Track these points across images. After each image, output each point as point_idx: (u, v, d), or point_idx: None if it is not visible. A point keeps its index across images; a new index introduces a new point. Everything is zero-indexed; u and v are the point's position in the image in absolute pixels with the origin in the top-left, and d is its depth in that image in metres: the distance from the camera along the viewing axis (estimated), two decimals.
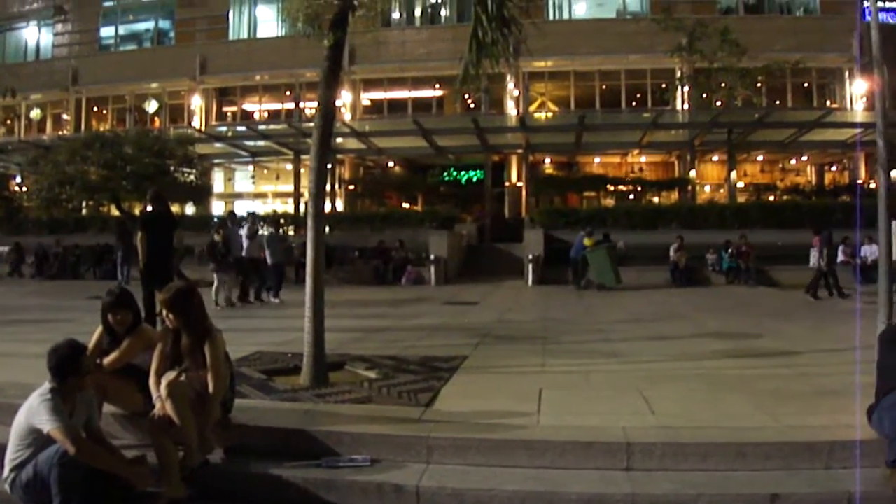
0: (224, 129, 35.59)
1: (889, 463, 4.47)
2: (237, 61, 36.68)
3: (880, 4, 5.99)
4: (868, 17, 6.58)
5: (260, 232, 17.14)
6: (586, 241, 20.06)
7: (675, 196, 31.96)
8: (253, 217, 17.93)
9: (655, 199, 31.99)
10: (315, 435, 5.29)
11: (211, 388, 4.98)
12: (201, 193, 32.17)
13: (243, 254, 16.17)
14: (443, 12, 36.70)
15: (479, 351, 9.14)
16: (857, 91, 33.07)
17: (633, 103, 35.21)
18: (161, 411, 4.76)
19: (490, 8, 6.66)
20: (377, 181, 36.38)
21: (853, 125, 29.73)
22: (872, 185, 24.13)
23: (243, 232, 16.38)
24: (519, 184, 33.83)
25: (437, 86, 35.89)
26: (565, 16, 36.28)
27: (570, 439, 5.10)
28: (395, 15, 36.74)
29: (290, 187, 33.78)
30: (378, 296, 17.92)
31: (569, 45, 33.58)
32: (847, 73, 34.30)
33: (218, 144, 32.84)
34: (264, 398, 6.42)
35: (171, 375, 4.89)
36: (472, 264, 24.85)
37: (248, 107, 39.16)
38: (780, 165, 36.79)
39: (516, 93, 34.46)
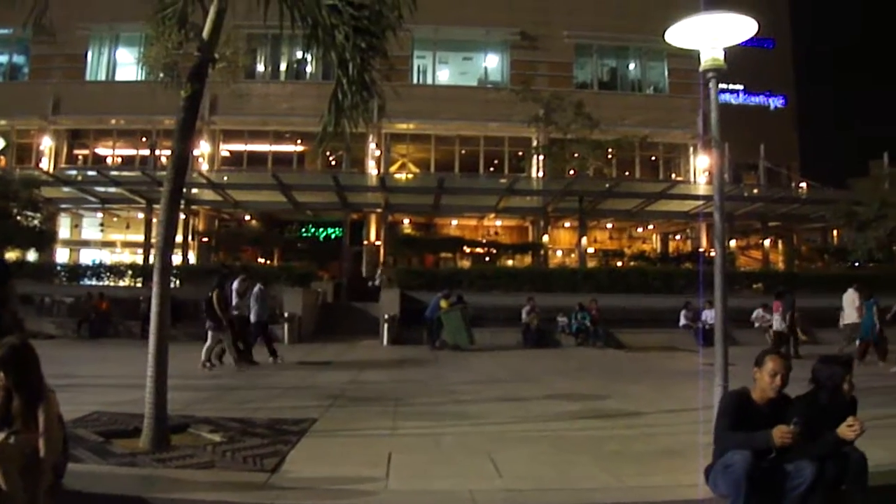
0: (74, 172, 33.98)
1: None
2: (93, 103, 35.36)
3: (722, 86, 6.39)
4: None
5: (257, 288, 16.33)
6: (442, 303, 20.26)
7: (528, 259, 32.77)
8: (245, 272, 16.92)
9: (510, 262, 32.67)
10: (153, 502, 5.03)
11: (42, 452, 4.64)
12: (45, 239, 30.47)
13: (234, 312, 15.25)
14: (308, 69, 36.73)
15: (330, 413, 8.99)
16: (700, 165, 35.30)
17: (491, 169, 36.25)
18: None
19: (351, 72, 6.71)
20: (232, 235, 35.52)
21: (696, 197, 31.59)
22: (713, 254, 25.84)
23: (234, 287, 15.54)
24: (377, 243, 33.88)
25: (299, 141, 35.79)
26: (429, 81, 37.15)
27: None
28: (260, 67, 36.55)
29: (140, 237, 32.45)
30: (228, 354, 17.39)
31: (431, 109, 34.41)
32: (691, 149, 36.62)
33: (66, 189, 31.30)
34: (100, 462, 6.08)
35: None
36: (328, 323, 24.50)
37: (101, 151, 37.66)
38: (628, 233, 38.51)
39: (378, 153, 34.82)
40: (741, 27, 6.45)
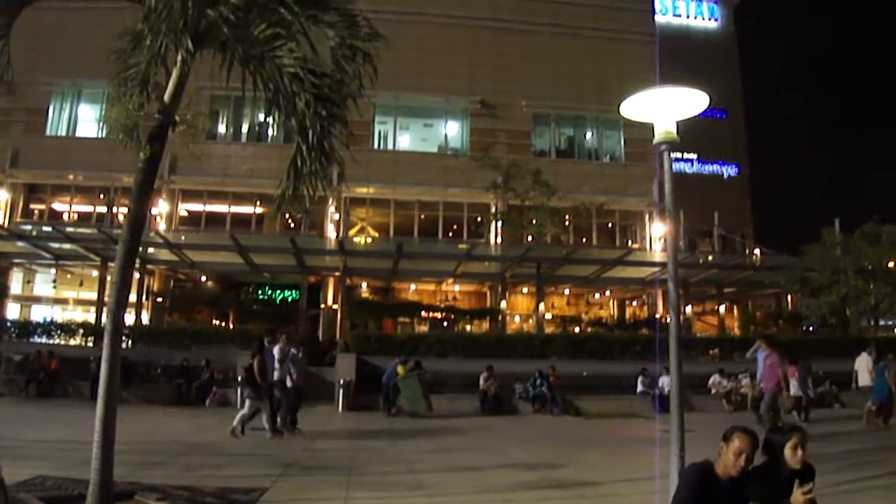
0: (29, 227, 33.41)
1: None
2: (52, 158, 34.98)
3: (676, 155, 6.56)
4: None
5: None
6: (399, 369, 20.10)
7: (486, 325, 32.73)
8: (285, 336, 16.55)
9: (468, 328, 32.60)
10: None
11: None
12: None
13: (275, 377, 15.09)
14: (270, 131, 36.86)
15: (282, 482, 8.80)
16: (656, 233, 35.82)
17: (450, 234, 36.42)
18: None
19: (311, 139, 6.75)
20: (188, 295, 35.04)
21: (652, 264, 31.98)
22: (669, 319, 26.06)
23: (276, 352, 15.25)
24: (335, 306, 33.64)
25: (259, 203, 35.71)
26: (390, 146, 37.46)
27: None
28: (221, 128, 36.62)
29: (93, 295, 31.78)
30: (179, 418, 17.03)
31: (391, 174, 34.73)
32: (647, 216, 37.22)
33: (20, 243, 30.64)
34: None
35: None
36: None
37: (57, 206, 37.15)
38: (585, 299, 38.74)
39: (337, 216, 34.81)
40: (693, 101, 6.61)
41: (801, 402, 19.20)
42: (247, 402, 14.16)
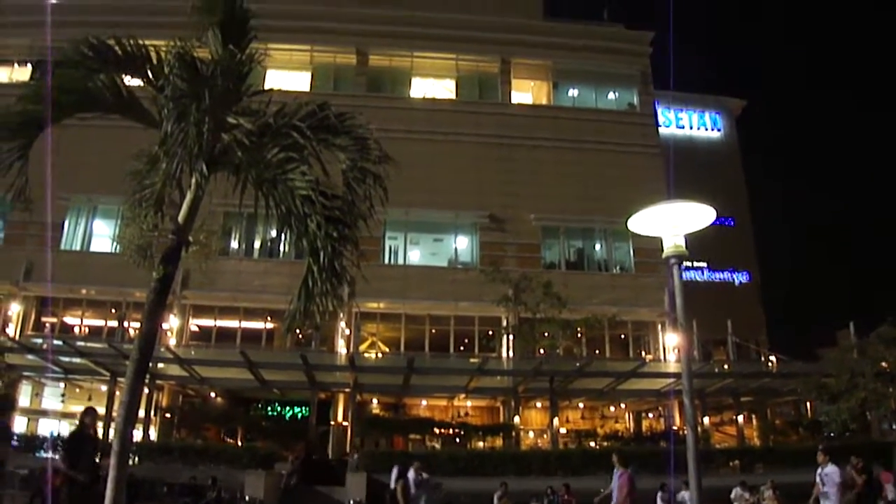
0: (39, 340, 33.31)
1: None
2: (65, 272, 35.18)
3: (686, 264, 6.60)
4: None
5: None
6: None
7: (499, 441, 32.10)
8: (417, 463, 16.52)
9: (480, 444, 31.99)
10: None
11: None
12: (4, 407, 29.66)
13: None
14: (282, 247, 37.17)
15: None
16: (670, 342, 35.45)
17: (461, 348, 36.20)
18: None
19: (322, 260, 6.81)
20: (196, 411, 34.66)
21: (666, 375, 31.55)
22: (686, 431, 25.52)
23: (411, 478, 15.22)
24: (345, 423, 33.12)
25: (269, 318, 35.74)
26: (400, 261, 37.72)
27: None
28: (234, 244, 37.04)
29: (101, 409, 31.34)
30: None
31: (402, 289, 34.86)
32: (660, 326, 36.98)
33: (30, 356, 30.57)
34: None
35: None
36: None
37: (69, 320, 37.17)
38: (601, 412, 38.09)
39: (347, 331, 34.73)
40: (700, 215, 6.67)
41: None
42: None
